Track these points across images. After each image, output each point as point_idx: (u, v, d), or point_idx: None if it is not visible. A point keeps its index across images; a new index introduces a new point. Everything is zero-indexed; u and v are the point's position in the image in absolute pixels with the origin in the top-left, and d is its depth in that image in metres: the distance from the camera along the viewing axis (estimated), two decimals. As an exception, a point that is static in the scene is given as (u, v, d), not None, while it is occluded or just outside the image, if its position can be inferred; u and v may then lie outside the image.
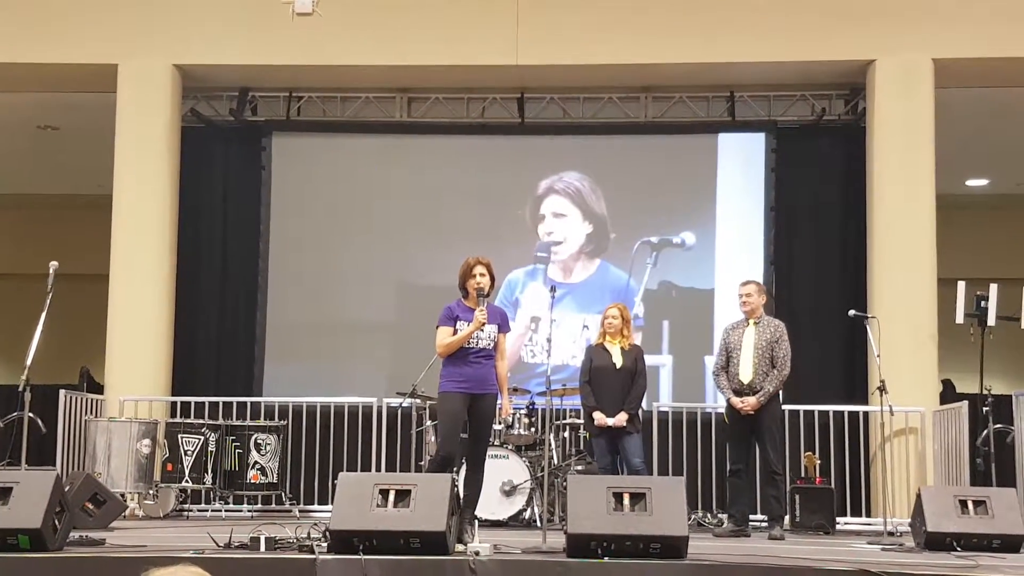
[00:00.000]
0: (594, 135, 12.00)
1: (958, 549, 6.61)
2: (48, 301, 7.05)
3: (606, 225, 11.76)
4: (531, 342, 11.55)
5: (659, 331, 11.48)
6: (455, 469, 7.63)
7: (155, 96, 11.21)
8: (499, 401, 7.24)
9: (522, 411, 9.76)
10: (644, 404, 9.05)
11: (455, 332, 7.10)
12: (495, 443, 9.55)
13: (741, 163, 11.77)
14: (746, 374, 8.59)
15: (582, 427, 9.56)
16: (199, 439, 9.99)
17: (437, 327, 7.20)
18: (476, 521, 7.30)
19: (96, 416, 10.33)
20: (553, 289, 8.15)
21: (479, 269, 7.16)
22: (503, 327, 7.23)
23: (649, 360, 11.16)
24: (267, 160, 12.04)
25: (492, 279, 7.23)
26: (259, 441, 10.18)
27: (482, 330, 7.08)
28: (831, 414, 10.55)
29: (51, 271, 7.21)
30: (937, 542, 6.77)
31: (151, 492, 10.00)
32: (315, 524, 6.34)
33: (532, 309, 11.53)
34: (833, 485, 9.99)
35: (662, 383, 11.35)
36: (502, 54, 11.06)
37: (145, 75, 11.19)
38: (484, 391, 7.11)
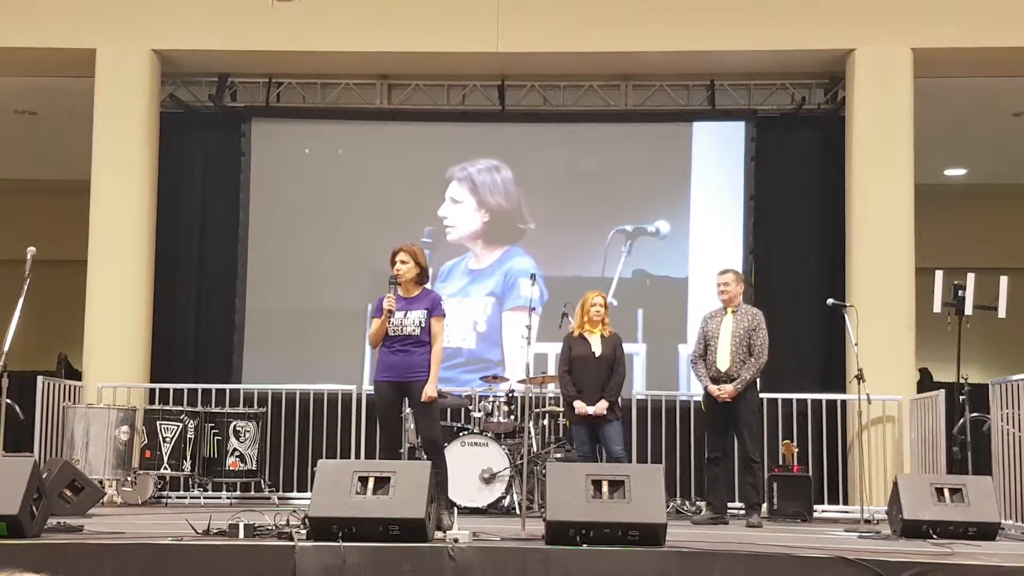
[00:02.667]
0: (574, 123, 12.00)
1: (934, 536, 6.66)
2: (26, 287, 7.00)
3: (513, 215, 11.75)
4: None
5: (633, 319, 11.53)
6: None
7: (133, 81, 11.16)
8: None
9: (502, 399, 9.79)
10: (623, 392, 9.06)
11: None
12: (475, 431, 9.58)
13: (721, 152, 11.80)
14: (723, 362, 8.61)
15: (561, 415, 9.58)
16: (178, 426, 9.97)
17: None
18: (455, 508, 7.32)
19: (74, 403, 10.28)
20: (533, 277, 8.16)
21: (400, 256, 7.23)
22: (434, 311, 7.22)
23: (624, 348, 11.24)
24: (246, 146, 11.99)
25: (420, 267, 7.25)
26: (238, 428, 10.17)
27: (405, 317, 7.12)
28: (809, 402, 10.61)
29: (29, 256, 7.16)
30: (913, 529, 6.82)
31: (129, 479, 9.98)
32: (294, 511, 6.34)
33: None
34: (811, 473, 10.04)
35: (636, 371, 11.39)
36: (483, 41, 11.05)
37: (123, 60, 11.14)
38: (411, 379, 7.13)
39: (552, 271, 11.60)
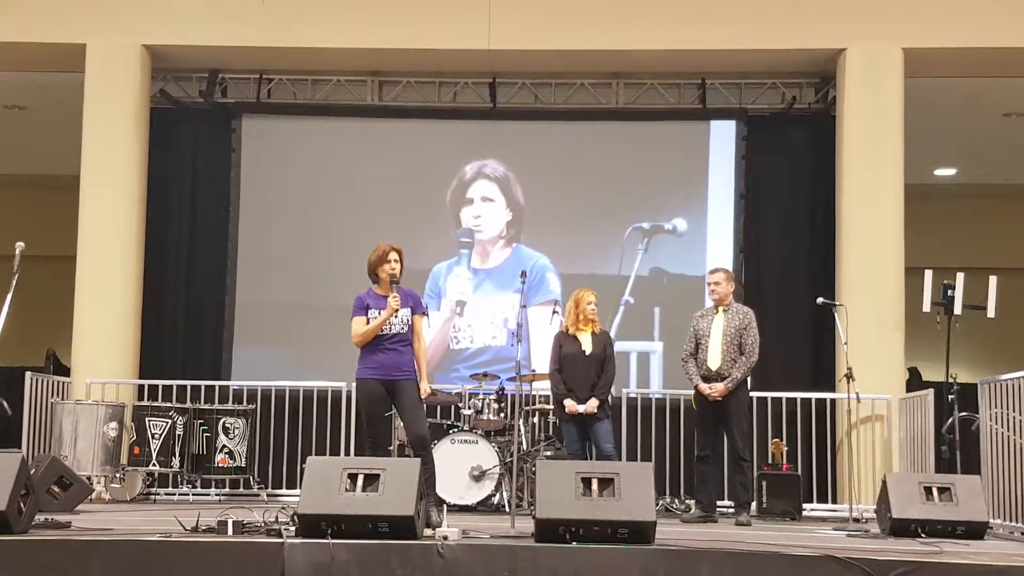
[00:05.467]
0: (566, 121, 11.99)
1: (922, 535, 6.67)
2: (14, 282, 6.97)
3: (524, 213, 11.81)
4: (455, 328, 11.62)
5: (650, 317, 11.54)
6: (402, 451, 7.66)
7: (124, 76, 11.13)
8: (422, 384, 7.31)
9: (492, 396, 9.78)
10: (613, 391, 9.06)
11: (368, 321, 7.19)
12: (465, 428, 9.58)
13: (710, 151, 11.79)
14: (714, 361, 8.62)
15: (551, 413, 9.57)
16: (166, 422, 9.95)
17: (352, 318, 7.29)
18: (444, 505, 7.32)
19: (62, 399, 10.25)
20: (523, 274, 8.15)
21: (393, 256, 7.27)
22: (416, 309, 7.31)
23: (640, 346, 11.21)
24: (237, 142, 11.98)
25: (402, 266, 7.31)
26: (227, 425, 10.15)
27: (394, 315, 7.16)
28: (798, 401, 10.62)
29: (17, 252, 7.12)
30: (902, 528, 6.83)
31: (118, 475, 9.96)
32: (283, 508, 6.32)
33: (456, 294, 11.67)
34: (800, 471, 10.07)
35: (653, 370, 11.43)
36: (474, 38, 11.05)
37: (114, 55, 11.11)
38: (399, 377, 7.18)
39: (567, 269, 11.62)
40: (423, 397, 7.23)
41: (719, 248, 11.55)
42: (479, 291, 11.68)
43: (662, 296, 11.60)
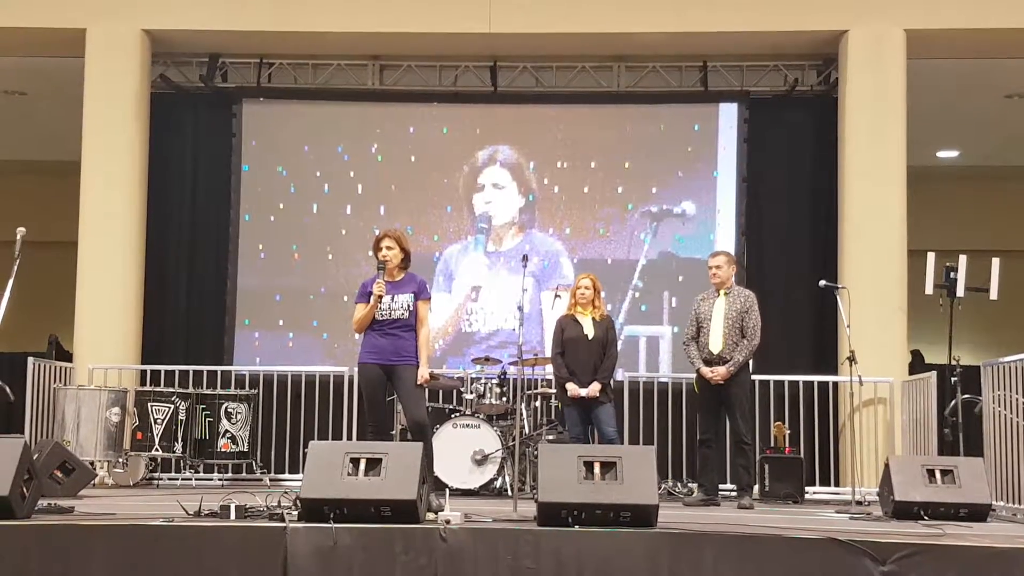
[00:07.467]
0: (568, 104, 11.96)
1: (925, 518, 6.67)
2: (15, 268, 6.96)
3: (536, 199, 11.81)
4: (469, 312, 11.60)
5: (659, 302, 11.53)
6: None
7: (124, 61, 11.11)
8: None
9: (494, 381, 9.79)
10: (618, 375, 9.06)
11: None
12: (467, 412, 9.58)
13: (719, 134, 11.76)
14: (716, 344, 8.61)
15: (553, 397, 9.58)
16: (169, 407, 9.96)
17: (356, 303, 7.31)
18: (447, 490, 7.32)
19: (65, 384, 10.27)
20: (525, 258, 8.15)
21: (385, 242, 7.25)
22: (420, 294, 7.27)
23: (649, 331, 11.11)
24: (237, 127, 11.96)
25: (405, 252, 7.29)
26: (230, 410, 10.16)
27: (393, 300, 7.15)
28: (801, 384, 10.62)
29: (18, 237, 7.11)
30: (905, 511, 6.83)
31: (121, 460, 9.97)
32: (285, 492, 6.33)
33: (471, 279, 11.63)
34: (802, 455, 10.07)
35: (663, 354, 11.42)
36: (475, 21, 11.02)
37: (114, 40, 11.08)
38: (398, 362, 7.16)
39: (577, 254, 11.62)
40: (420, 383, 7.18)
41: (724, 231, 11.54)
42: (492, 276, 11.66)
43: (672, 280, 11.58)
